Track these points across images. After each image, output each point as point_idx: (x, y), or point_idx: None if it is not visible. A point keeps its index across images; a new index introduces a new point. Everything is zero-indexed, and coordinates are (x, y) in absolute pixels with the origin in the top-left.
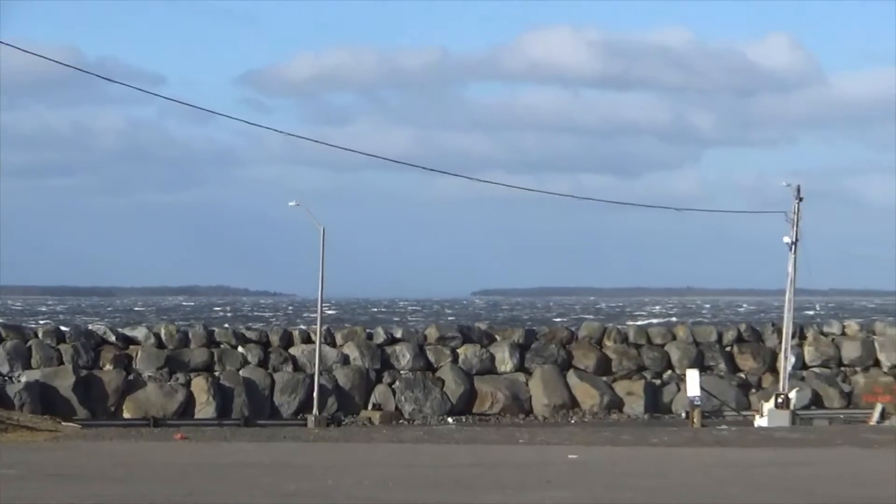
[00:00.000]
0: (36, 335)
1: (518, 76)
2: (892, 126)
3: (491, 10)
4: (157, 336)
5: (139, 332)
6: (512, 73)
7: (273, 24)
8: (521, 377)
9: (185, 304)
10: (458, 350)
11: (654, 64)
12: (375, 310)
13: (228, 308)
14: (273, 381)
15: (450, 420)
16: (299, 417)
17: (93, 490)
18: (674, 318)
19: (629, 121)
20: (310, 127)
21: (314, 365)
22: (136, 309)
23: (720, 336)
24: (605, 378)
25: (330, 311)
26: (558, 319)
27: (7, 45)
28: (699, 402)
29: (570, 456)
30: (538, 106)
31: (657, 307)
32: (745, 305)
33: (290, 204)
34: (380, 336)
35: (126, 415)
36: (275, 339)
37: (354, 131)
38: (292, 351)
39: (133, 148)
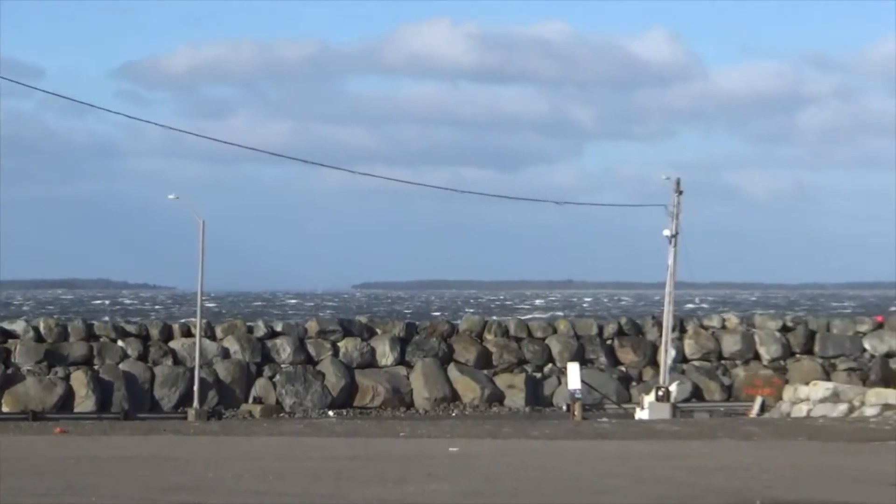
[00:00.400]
0: None
1: (397, 69)
2: (769, 120)
3: (370, 3)
4: (36, 330)
5: (18, 326)
6: (391, 66)
7: (151, 16)
8: (402, 371)
9: (63, 297)
10: (338, 343)
11: (533, 57)
12: (257, 303)
13: (108, 301)
14: (153, 375)
15: (330, 413)
16: (179, 411)
17: None
18: (559, 313)
19: (509, 114)
20: (189, 120)
21: (194, 358)
22: (15, 302)
23: (601, 329)
24: (485, 371)
25: (210, 305)
26: (439, 313)
27: None
28: (580, 395)
29: (450, 449)
30: (417, 99)
31: (539, 301)
32: (626, 299)
33: (170, 197)
34: (260, 329)
35: (5, 409)
36: (154, 332)
37: (234, 124)
38: (172, 344)
39: (11, 141)
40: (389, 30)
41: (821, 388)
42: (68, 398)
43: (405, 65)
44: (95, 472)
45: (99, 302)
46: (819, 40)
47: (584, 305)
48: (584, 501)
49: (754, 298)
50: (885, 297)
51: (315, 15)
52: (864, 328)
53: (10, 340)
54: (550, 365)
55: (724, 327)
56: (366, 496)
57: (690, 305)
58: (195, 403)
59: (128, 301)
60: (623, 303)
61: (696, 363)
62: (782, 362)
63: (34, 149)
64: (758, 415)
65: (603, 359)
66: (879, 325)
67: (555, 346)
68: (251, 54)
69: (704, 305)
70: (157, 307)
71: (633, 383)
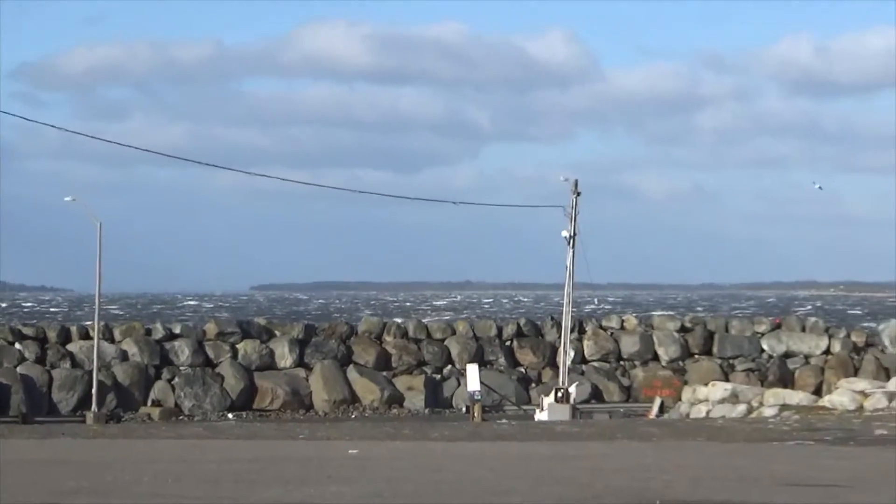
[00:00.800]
0: None
1: (294, 71)
2: (666, 121)
3: (266, 4)
4: None
5: None
6: (288, 67)
7: (46, 16)
8: (302, 372)
9: None
10: (237, 346)
11: (430, 58)
12: (156, 305)
13: (5, 304)
14: (51, 378)
15: (230, 416)
16: (78, 414)
17: None
18: (459, 314)
19: (406, 115)
20: (86, 121)
21: (92, 361)
22: None
23: (500, 331)
24: (385, 373)
25: (111, 307)
26: (337, 315)
27: None
28: (479, 397)
29: (350, 451)
30: (314, 100)
31: (438, 302)
32: (525, 300)
33: (66, 199)
34: (158, 332)
35: None
36: (52, 335)
37: (131, 125)
38: (70, 347)
39: None
40: (286, 31)
41: (719, 389)
42: None
43: (302, 66)
44: None
45: None
46: (715, 41)
47: (484, 306)
48: (485, 503)
49: (653, 299)
50: (783, 297)
51: (211, 16)
52: (762, 329)
53: None
54: (450, 366)
55: (622, 328)
56: (265, 498)
57: (589, 307)
58: (94, 406)
59: (25, 304)
60: (522, 304)
61: (596, 364)
62: (681, 363)
63: None
64: (657, 416)
65: (502, 360)
66: (777, 326)
67: (454, 347)
68: (147, 55)
69: (606, 307)
70: (54, 310)
71: (533, 385)
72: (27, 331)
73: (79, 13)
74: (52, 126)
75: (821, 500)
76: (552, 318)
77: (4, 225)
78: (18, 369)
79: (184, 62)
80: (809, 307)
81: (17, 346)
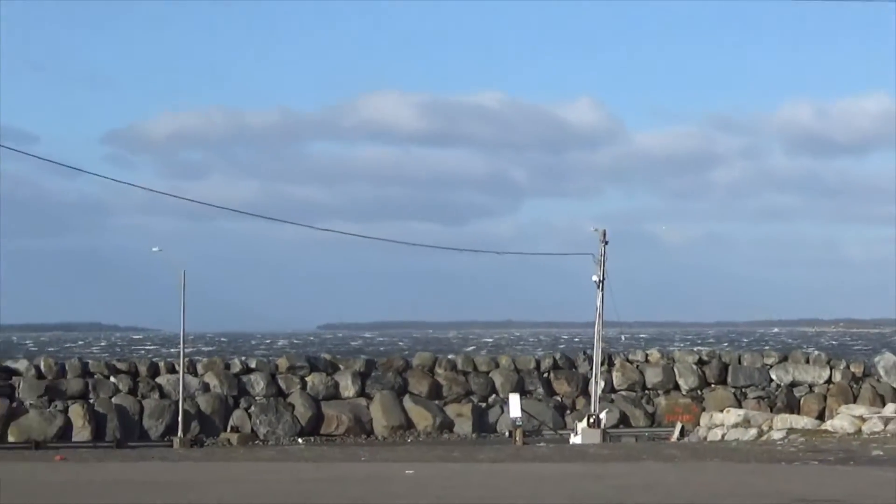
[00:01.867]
0: None
1: (352, 134)
2: (682, 177)
3: (328, 76)
4: (37, 368)
5: (21, 365)
6: (347, 131)
7: (132, 87)
8: (363, 401)
9: (62, 338)
10: (306, 378)
11: (472, 123)
12: (235, 343)
13: (102, 342)
14: (142, 407)
15: (300, 441)
16: (166, 439)
17: None
18: (505, 349)
19: (452, 173)
20: (168, 180)
21: (178, 392)
22: (18, 344)
23: (538, 364)
24: (436, 402)
25: (196, 344)
26: (394, 350)
27: None
28: (520, 423)
29: (407, 471)
30: (370, 160)
31: (484, 339)
32: (561, 336)
33: (154, 250)
34: (236, 366)
35: (11, 439)
36: (143, 369)
37: (208, 184)
38: (159, 380)
39: (10, 199)
40: (346, 99)
41: (733, 415)
42: (67, 429)
43: (360, 130)
44: (91, 496)
45: (93, 343)
46: (725, 105)
47: (524, 343)
48: None
49: (675, 335)
50: (792, 333)
51: (280, 86)
52: (770, 360)
53: (14, 377)
54: (494, 395)
55: (647, 361)
56: None
57: (622, 339)
58: (179, 433)
59: (118, 343)
60: (559, 340)
61: (623, 393)
62: (699, 392)
63: (30, 206)
64: (678, 439)
65: (540, 390)
66: (784, 358)
67: (497, 378)
68: (223, 121)
69: (632, 342)
70: (144, 348)
71: (568, 411)
72: (121, 366)
73: (161, 84)
74: (139, 186)
75: None
76: (584, 353)
77: (100, 272)
78: (113, 400)
79: (255, 127)
80: (812, 347)
81: (112, 379)
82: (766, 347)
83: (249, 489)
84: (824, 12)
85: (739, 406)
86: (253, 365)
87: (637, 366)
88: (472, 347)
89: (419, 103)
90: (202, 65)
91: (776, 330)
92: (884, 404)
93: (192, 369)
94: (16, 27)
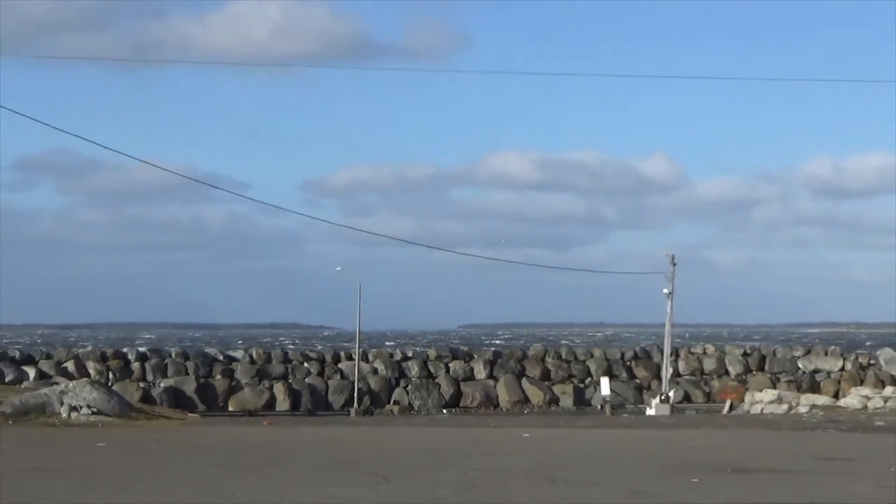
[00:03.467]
0: (170, 355)
1: (484, 183)
2: (732, 215)
3: (465, 138)
4: (251, 356)
5: (238, 353)
6: (480, 180)
7: (321, 146)
8: (491, 382)
9: (278, 335)
10: (449, 364)
11: (574, 174)
12: (398, 339)
13: (297, 337)
14: (327, 386)
15: (444, 411)
16: (345, 410)
17: (205, 459)
18: (599, 344)
19: (559, 212)
20: (347, 217)
21: (354, 374)
22: (237, 339)
23: (622, 355)
24: (546, 382)
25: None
26: (518, 342)
27: (149, 163)
28: (609, 399)
29: (524, 434)
30: (498, 203)
31: (583, 336)
32: (643, 334)
33: (337, 269)
34: (398, 355)
35: (230, 408)
36: (328, 357)
37: (377, 220)
38: (340, 365)
39: (231, 232)
40: (479, 157)
41: (769, 394)
42: (272, 401)
43: (489, 180)
44: (290, 451)
45: (293, 337)
46: (765, 160)
47: (613, 339)
48: (617, 466)
49: (725, 333)
50: (820, 335)
51: (430, 148)
52: (798, 353)
53: (233, 363)
54: (589, 378)
55: (704, 353)
56: (468, 465)
57: (682, 337)
58: (355, 405)
59: (312, 337)
60: (640, 336)
61: (686, 377)
62: (744, 376)
63: (246, 237)
64: (728, 412)
65: (624, 374)
66: (808, 352)
67: (592, 365)
68: (388, 173)
69: (691, 339)
70: (332, 341)
71: (644, 391)
72: (312, 354)
73: (343, 144)
74: (326, 221)
75: (840, 468)
76: (657, 346)
77: (298, 285)
78: (306, 380)
79: (411, 177)
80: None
81: (306, 364)
82: (789, 341)
83: (408, 447)
84: (836, 93)
85: (774, 388)
86: (409, 354)
87: (697, 356)
88: (574, 342)
89: (533, 159)
90: (372, 129)
91: (811, 330)
92: (884, 387)
93: (364, 357)
94: (238, 100)
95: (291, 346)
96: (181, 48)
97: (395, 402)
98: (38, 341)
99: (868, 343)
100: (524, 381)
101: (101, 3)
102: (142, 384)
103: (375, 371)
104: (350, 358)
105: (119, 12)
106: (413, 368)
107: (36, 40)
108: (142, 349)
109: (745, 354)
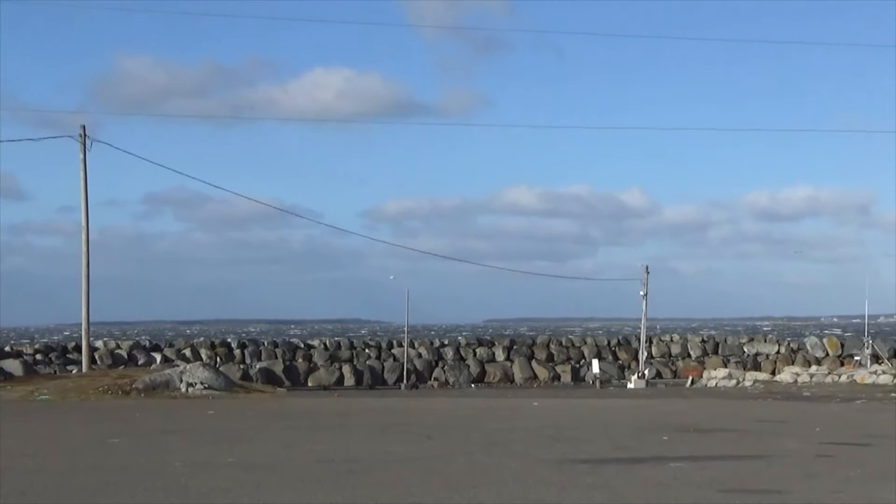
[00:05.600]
0: (263, 344)
1: (501, 211)
2: (692, 234)
3: (486, 175)
4: (325, 344)
5: (316, 342)
6: (498, 208)
7: (378, 183)
8: (508, 363)
9: (346, 328)
10: (476, 349)
11: (570, 204)
12: (437, 330)
13: (362, 330)
14: (383, 366)
15: (472, 386)
16: (396, 385)
17: (290, 423)
18: (588, 333)
19: (559, 233)
20: (398, 238)
21: (404, 357)
22: (314, 331)
23: (609, 342)
24: (550, 363)
25: (418, 332)
26: (529, 333)
27: (246, 197)
28: (598, 376)
29: (533, 403)
30: (511, 226)
31: (579, 328)
32: (627, 327)
33: (390, 278)
34: (437, 343)
35: (310, 384)
36: (384, 344)
37: (419, 240)
38: (393, 351)
39: (309, 250)
40: (496, 189)
41: (722, 372)
42: (341, 379)
43: (504, 208)
44: (355, 416)
45: (356, 329)
46: (716, 192)
47: (599, 330)
48: (605, 427)
49: (694, 325)
50: (761, 326)
51: (459, 182)
52: (743, 340)
53: (311, 349)
54: (583, 360)
55: (671, 340)
56: (491, 427)
57: (656, 328)
58: (404, 381)
59: (373, 329)
60: (622, 328)
61: (658, 359)
62: (702, 358)
63: (319, 254)
64: (690, 386)
65: (610, 357)
66: (751, 339)
67: (585, 350)
68: (427, 204)
69: (664, 328)
70: (387, 335)
71: (626, 369)
72: (371, 342)
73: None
74: (382, 241)
75: (776, 428)
76: (636, 336)
77: (361, 291)
78: (367, 362)
79: (444, 207)
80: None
81: (367, 350)
82: (737, 331)
83: (445, 412)
84: (770, 140)
85: (725, 367)
86: (445, 342)
87: (665, 343)
88: (571, 332)
89: (538, 192)
90: (414, 170)
91: (755, 322)
92: (810, 366)
93: (412, 344)
94: (312, 148)
95: (356, 337)
96: (268, 108)
97: (434, 378)
98: (165, 334)
99: (798, 332)
100: (533, 363)
101: (207, 76)
102: (241, 366)
103: (420, 355)
104: (400, 345)
105: (220, 82)
106: (448, 353)
107: (159, 103)
108: (242, 339)
109: (702, 341)
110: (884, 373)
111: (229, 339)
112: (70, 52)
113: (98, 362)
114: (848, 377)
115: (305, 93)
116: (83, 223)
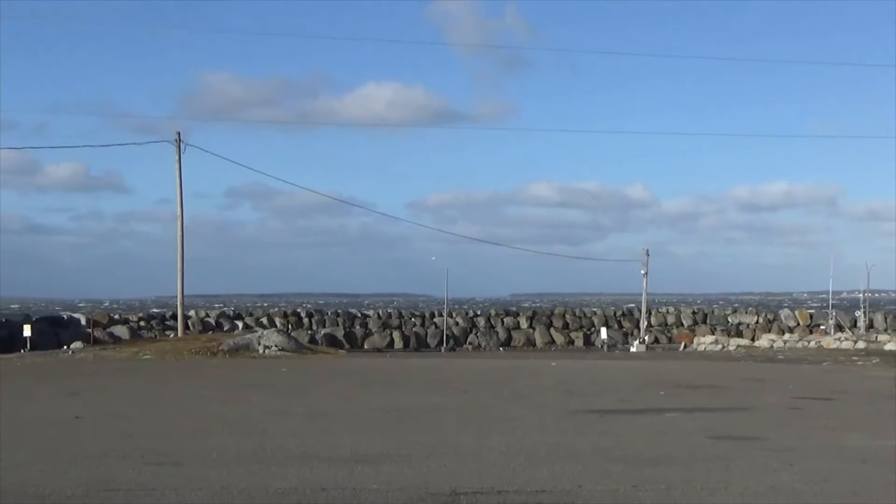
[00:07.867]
0: (327, 313)
1: (525, 203)
2: (686, 223)
3: (513, 172)
4: (378, 313)
5: (371, 312)
6: (522, 201)
7: (418, 178)
8: (531, 330)
9: (395, 300)
10: (503, 319)
11: (583, 197)
12: (471, 303)
13: (407, 301)
14: (426, 333)
15: (501, 349)
16: (437, 348)
17: (349, 379)
18: (598, 305)
19: (573, 221)
20: (439, 224)
21: (443, 325)
22: (369, 303)
23: (615, 312)
24: (566, 330)
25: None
26: (548, 305)
27: (310, 190)
28: (606, 341)
29: (552, 364)
30: (534, 216)
31: (589, 300)
32: (630, 301)
33: (432, 258)
34: (471, 313)
35: (365, 347)
36: (427, 314)
37: (458, 227)
38: (434, 320)
39: (364, 235)
40: (521, 184)
41: (710, 339)
42: (391, 343)
43: (528, 201)
44: (403, 374)
45: (398, 302)
46: (706, 187)
47: (609, 303)
48: (612, 384)
49: (684, 298)
50: (742, 299)
51: (489, 178)
52: (728, 312)
53: (367, 318)
54: (593, 327)
55: (667, 312)
56: (517, 384)
57: (652, 303)
58: (444, 344)
59: (416, 301)
60: (627, 301)
61: (656, 327)
62: (693, 327)
63: (372, 238)
64: (683, 350)
65: (616, 325)
66: (735, 311)
67: (595, 319)
68: (462, 196)
69: (667, 301)
70: (429, 307)
71: (629, 336)
72: (416, 312)
73: (434, 178)
74: (424, 226)
75: (755, 386)
76: (637, 308)
77: (408, 268)
78: (413, 329)
79: (477, 200)
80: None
81: (413, 319)
82: (722, 304)
83: (477, 370)
84: (752, 144)
85: (713, 334)
86: (478, 312)
87: (662, 314)
88: (584, 304)
89: (556, 187)
90: (452, 168)
91: (738, 297)
92: (784, 334)
93: (451, 314)
94: (366, 149)
95: (404, 307)
96: (328, 116)
97: (469, 343)
98: (245, 305)
99: (774, 305)
100: (552, 330)
101: (277, 89)
102: (309, 331)
103: (457, 323)
104: (440, 315)
105: (288, 94)
106: (480, 322)
107: (237, 111)
108: (309, 309)
109: (693, 313)
110: (846, 339)
111: (299, 310)
112: (163, 69)
113: (190, 328)
114: (816, 343)
115: (359, 103)
116: (178, 213)
